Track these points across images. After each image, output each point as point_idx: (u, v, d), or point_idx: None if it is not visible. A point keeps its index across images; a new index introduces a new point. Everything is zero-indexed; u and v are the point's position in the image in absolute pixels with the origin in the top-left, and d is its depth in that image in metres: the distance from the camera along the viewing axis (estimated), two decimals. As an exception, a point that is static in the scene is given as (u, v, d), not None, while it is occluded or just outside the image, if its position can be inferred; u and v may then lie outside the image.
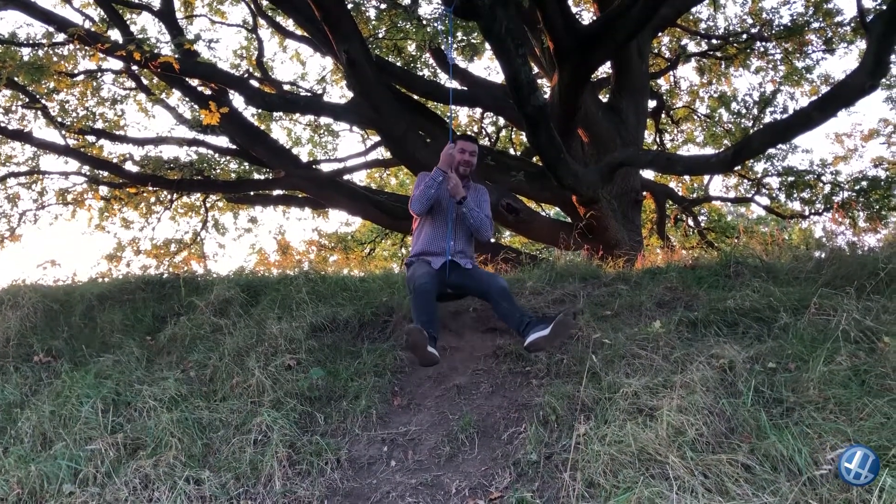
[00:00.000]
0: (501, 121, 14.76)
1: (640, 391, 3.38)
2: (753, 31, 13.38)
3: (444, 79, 12.86)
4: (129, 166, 12.09)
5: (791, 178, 13.80)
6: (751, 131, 13.27)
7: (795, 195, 14.00)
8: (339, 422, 3.80)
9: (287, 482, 3.25)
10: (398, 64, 12.52)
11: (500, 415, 3.68)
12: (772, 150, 13.82)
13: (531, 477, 3.09)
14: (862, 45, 12.29)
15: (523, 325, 3.99)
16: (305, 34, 11.41)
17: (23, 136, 11.15)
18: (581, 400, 3.49)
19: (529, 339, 3.89)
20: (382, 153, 14.26)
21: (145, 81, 12.07)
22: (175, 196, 13.54)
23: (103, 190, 12.76)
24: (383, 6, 11.85)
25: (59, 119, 11.64)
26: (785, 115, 13.31)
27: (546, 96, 9.16)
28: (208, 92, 10.38)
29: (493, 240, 14.24)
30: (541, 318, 3.97)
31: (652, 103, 13.31)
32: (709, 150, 15.19)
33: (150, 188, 12.08)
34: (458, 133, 12.02)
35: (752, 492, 2.64)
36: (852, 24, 12.15)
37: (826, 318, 3.82)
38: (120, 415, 3.86)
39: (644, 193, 11.80)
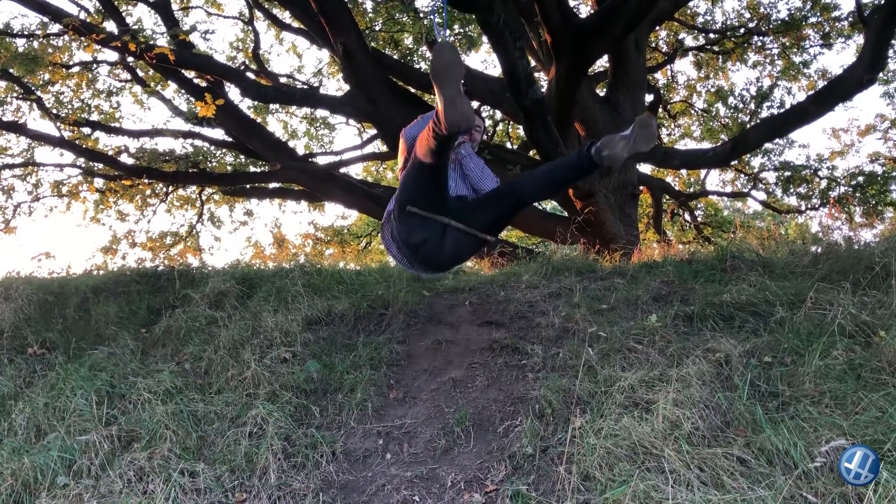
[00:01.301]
0: (498, 114, 14.71)
1: (636, 385, 3.38)
2: (751, 25, 13.36)
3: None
4: (125, 158, 12.04)
5: (788, 173, 13.82)
6: (748, 126, 13.26)
7: (792, 190, 14.03)
8: (334, 415, 3.80)
9: (282, 475, 3.24)
10: (395, 56, 12.47)
11: (495, 408, 3.67)
12: (769, 145, 13.82)
13: (527, 470, 3.09)
14: (859, 39, 12.28)
15: (584, 147, 3.13)
16: (302, 26, 11.37)
17: (17, 128, 11.09)
18: (577, 393, 3.49)
19: (601, 143, 3.01)
20: (379, 146, 14.20)
21: (141, 73, 12.01)
22: (171, 189, 13.49)
23: (98, 182, 12.71)
24: (380, -2, 11.82)
25: (54, 111, 11.58)
26: (782, 110, 13.31)
27: (543, 90, 9.13)
28: (204, 84, 10.34)
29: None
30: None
31: (649, 97, 13.28)
32: (706, 145, 15.19)
33: (146, 180, 12.03)
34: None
35: (747, 485, 2.64)
36: (850, 19, 12.14)
37: (822, 313, 3.82)
38: (114, 407, 3.84)
39: (641, 188, 11.80)
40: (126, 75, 12.41)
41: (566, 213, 10.49)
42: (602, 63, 12.00)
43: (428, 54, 12.83)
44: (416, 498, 3.05)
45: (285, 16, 12.77)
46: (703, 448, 2.87)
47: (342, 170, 13.20)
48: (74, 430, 3.61)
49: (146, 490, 3.15)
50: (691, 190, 15.86)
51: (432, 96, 11.75)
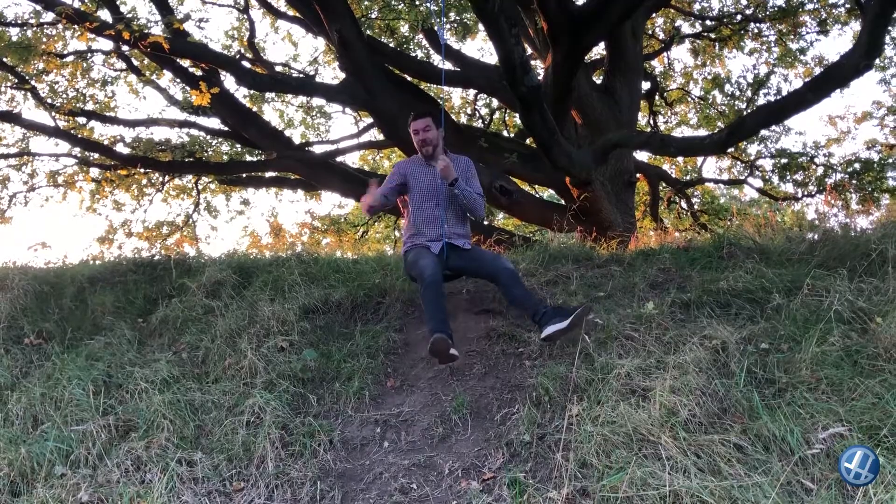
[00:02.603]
0: (495, 102, 14.67)
1: (633, 372, 3.38)
2: (748, 12, 13.32)
3: (437, 60, 12.79)
4: (120, 148, 11.98)
5: (784, 161, 13.79)
6: (744, 113, 13.23)
7: (788, 177, 13.99)
8: (331, 403, 3.80)
9: (280, 463, 3.25)
10: (391, 44, 12.42)
11: (493, 396, 3.68)
12: (765, 132, 13.80)
13: (524, 457, 3.09)
14: (856, 26, 12.27)
15: (538, 314, 3.88)
16: (297, 14, 11.30)
17: (12, 118, 11.03)
18: (574, 381, 3.49)
19: (546, 332, 3.79)
20: (375, 135, 14.17)
21: (136, 62, 11.95)
22: (167, 178, 13.45)
23: (94, 172, 12.66)
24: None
25: (49, 100, 11.52)
26: (779, 97, 13.28)
27: (539, 77, 9.10)
28: (199, 73, 10.29)
29: (485, 221, 14.26)
30: (556, 310, 3.88)
31: (646, 85, 13.26)
32: (703, 133, 15.16)
33: (142, 170, 11.98)
34: (449, 115, 11.90)
35: (744, 471, 2.65)
36: (847, 5, 12.11)
37: (818, 299, 3.82)
38: (111, 397, 3.84)
39: (637, 175, 11.79)
40: (121, 64, 12.36)
41: (563, 201, 10.48)
42: (599, 50, 11.96)
43: (424, 42, 12.77)
44: (414, 486, 3.06)
45: (280, 4, 12.70)
46: (700, 435, 2.88)
47: (339, 158, 13.17)
48: (71, 420, 3.60)
49: (144, 479, 3.16)
50: (688, 177, 15.84)
51: (428, 85, 11.74)
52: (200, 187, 14.29)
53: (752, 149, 14.72)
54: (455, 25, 12.43)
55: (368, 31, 11.63)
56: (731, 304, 4.14)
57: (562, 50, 7.73)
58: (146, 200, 13.58)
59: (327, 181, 11.67)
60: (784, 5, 12.50)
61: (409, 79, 11.24)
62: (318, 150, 13.35)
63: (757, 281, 4.25)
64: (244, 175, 13.06)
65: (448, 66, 11.57)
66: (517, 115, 9.49)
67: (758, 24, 13.38)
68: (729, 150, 13.75)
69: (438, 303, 3.99)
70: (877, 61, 9.35)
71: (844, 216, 5.74)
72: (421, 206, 4.50)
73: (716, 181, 16.12)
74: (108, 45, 11.28)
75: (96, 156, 12.11)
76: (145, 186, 13.37)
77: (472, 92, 14.78)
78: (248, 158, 12.91)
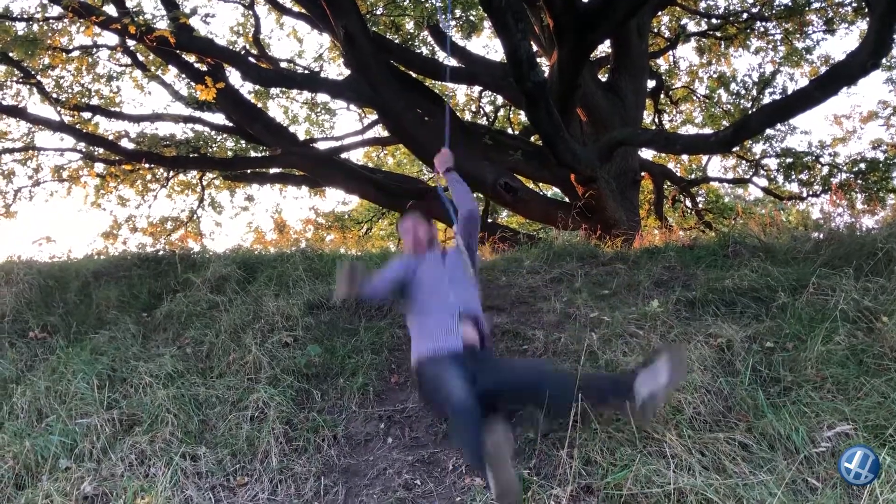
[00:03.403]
0: (500, 100, 14.66)
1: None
2: (754, 10, 13.27)
3: (442, 56, 12.77)
4: (125, 143, 11.99)
5: (789, 160, 13.76)
6: (749, 112, 13.19)
7: (794, 176, 13.97)
8: (335, 399, 3.80)
9: (283, 458, 3.25)
10: (396, 41, 12.41)
11: (497, 393, 3.66)
12: (770, 132, 13.77)
13: (528, 454, 3.09)
14: (863, 25, 12.21)
15: (621, 386, 2.85)
16: (303, 10, 11.31)
17: (18, 112, 11.04)
18: (578, 378, 3.48)
19: (644, 396, 2.69)
20: (380, 131, 14.18)
21: (141, 58, 11.96)
22: (171, 174, 13.47)
23: (99, 167, 12.66)
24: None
25: (55, 95, 11.53)
26: (784, 96, 13.23)
27: (545, 74, 9.09)
28: (204, 68, 10.29)
29: (489, 219, 14.26)
30: (640, 367, 2.92)
31: (651, 83, 13.22)
32: (708, 131, 15.12)
33: (146, 165, 11.98)
34: (454, 112, 11.81)
35: (749, 470, 2.65)
36: (853, 4, 12.06)
37: (824, 298, 3.82)
38: (116, 391, 3.85)
39: (642, 173, 11.77)
40: (126, 59, 12.36)
41: (568, 199, 10.47)
42: (604, 48, 11.93)
43: (429, 38, 12.75)
44: (418, 482, 3.06)
45: (286, 0, 12.70)
46: (705, 433, 2.88)
47: (343, 155, 13.18)
48: (76, 414, 3.61)
49: (148, 473, 3.16)
50: (693, 176, 15.81)
51: (433, 81, 11.69)
52: (205, 183, 14.30)
53: (758, 148, 14.71)
54: (461, 22, 12.41)
55: (374, 28, 11.62)
56: (736, 302, 4.13)
57: (567, 47, 7.72)
58: (151, 196, 13.60)
59: (331, 178, 11.66)
60: (790, 4, 12.45)
61: (414, 75, 11.23)
62: (322, 146, 13.36)
63: (762, 280, 4.25)
64: (248, 171, 13.06)
65: (453, 62, 11.56)
66: (522, 112, 9.50)
67: (764, 23, 13.33)
68: (734, 149, 13.71)
69: (476, 436, 2.76)
70: (884, 60, 9.32)
71: (850, 215, 5.73)
72: (427, 313, 3.42)
73: (721, 180, 16.12)
74: (113, 39, 11.29)
75: (101, 151, 12.12)
76: (150, 182, 13.38)
77: (476, 89, 14.77)
78: (253, 154, 12.92)
